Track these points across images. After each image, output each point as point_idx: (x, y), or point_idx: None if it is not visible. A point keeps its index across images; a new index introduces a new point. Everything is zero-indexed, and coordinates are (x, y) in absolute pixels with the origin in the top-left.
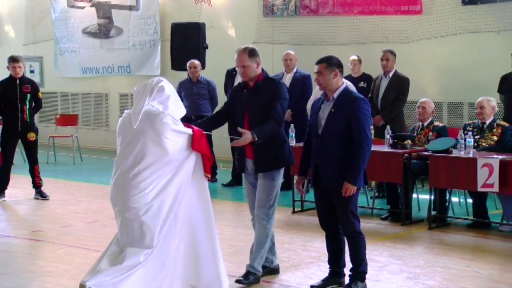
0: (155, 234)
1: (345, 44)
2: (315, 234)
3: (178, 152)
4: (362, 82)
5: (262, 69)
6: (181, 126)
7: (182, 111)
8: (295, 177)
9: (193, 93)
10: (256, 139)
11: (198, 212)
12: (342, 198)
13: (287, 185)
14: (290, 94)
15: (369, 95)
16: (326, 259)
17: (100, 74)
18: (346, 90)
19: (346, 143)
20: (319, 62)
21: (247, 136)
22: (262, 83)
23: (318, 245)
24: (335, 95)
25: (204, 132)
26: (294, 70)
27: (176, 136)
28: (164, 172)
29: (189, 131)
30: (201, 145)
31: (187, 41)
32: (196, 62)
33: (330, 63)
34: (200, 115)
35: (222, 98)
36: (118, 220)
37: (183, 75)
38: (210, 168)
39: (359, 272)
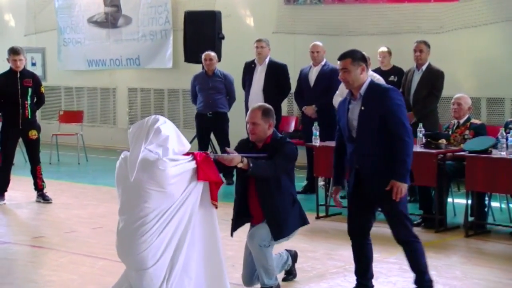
0: (164, 283)
1: (374, 35)
2: (341, 241)
3: (183, 189)
4: (392, 76)
5: (274, 131)
6: (181, 162)
7: (186, 146)
8: (320, 180)
9: (209, 87)
10: (251, 167)
11: (206, 249)
12: (391, 201)
13: (310, 188)
14: (316, 88)
15: (400, 90)
16: (353, 269)
17: (107, 67)
18: (372, 83)
19: (385, 140)
20: (343, 57)
21: (237, 158)
22: (271, 145)
23: (344, 253)
24: (362, 91)
25: (209, 154)
26: (322, 63)
27: (178, 177)
28: (170, 213)
29: (192, 164)
30: (207, 172)
31: (201, 31)
32: (212, 54)
33: (355, 58)
34: (216, 112)
35: (240, 93)
36: (126, 270)
37: (197, 68)
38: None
39: (426, 281)
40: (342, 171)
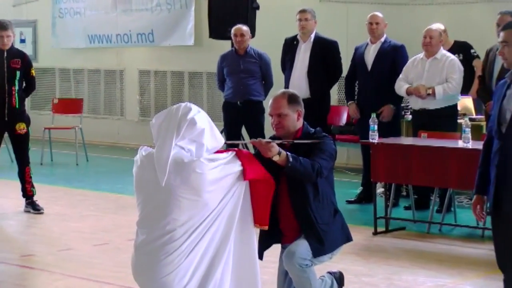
0: None
1: (448, 4)
2: (403, 263)
3: (220, 197)
4: (456, 54)
5: (304, 123)
6: (221, 162)
7: (219, 141)
8: (378, 186)
9: (240, 69)
10: (290, 162)
11: (242, 273)
12: None
13: (365, 197)
14: (375, 71)
15: (479, 74)
16: None
17: (113, 44)
18: None
19: None
20: (508, 27)
21: (276, 147)
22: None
23: (409, 278)
24: None
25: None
26: (382, 39)
27: (218, 183)
28: (203, 229)
29: (234, 166)
30: (255, 169)
31: (230, 0)
32: (244, 28)
33: None
34: (248, 100)
35: (278, 77)
36: None
37: (225, 46)
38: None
39: None
40: (489, 176)
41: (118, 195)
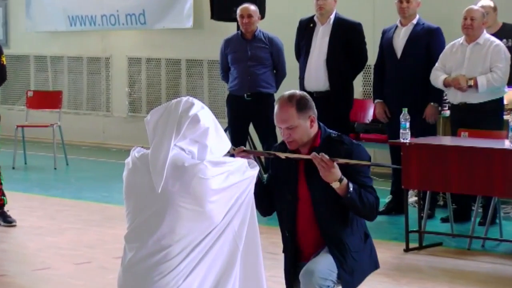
0: None
1: None
2: (440, 284)
3: (225, 209)
4: (504, 40)
5: (320, 125)
6: (227, 167)
7: (224, 143)
8: (411, 195)
9: (247, 56)
10: (350, 192)
11: None
12: None
13: (395, 207)
14: (406, 59)
15: None
16: None
17: (97, 27)
18: None
19: None
20: None
21: (338, 170)
22: (322, 150)
23: None
24: None
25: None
26: (414, 21)
27: (223, 192)
28: (204, 246)
29: (246, 173)
30: None
31: None
32: (252, 8)
33: None
34: (257, 93)
35: (292, 66)
36: None
37: (229, 29)
38: None
39: None
40: None
41: (103, 205)
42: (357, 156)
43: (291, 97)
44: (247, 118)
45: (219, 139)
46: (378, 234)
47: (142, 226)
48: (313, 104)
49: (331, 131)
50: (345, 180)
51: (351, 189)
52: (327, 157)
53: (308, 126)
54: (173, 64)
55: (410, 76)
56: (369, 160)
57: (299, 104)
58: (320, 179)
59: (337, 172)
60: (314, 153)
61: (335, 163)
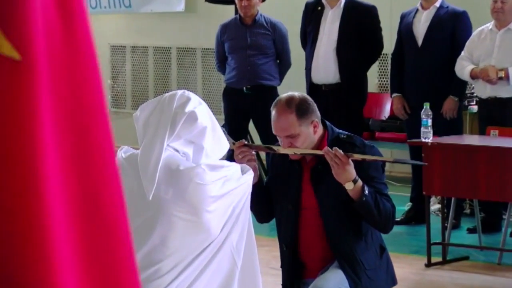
0: None
1: None
2: None
3: (223, 220)
4: None
5: (326, 125)
6: (225, 171)
7: (223, 147)
8: (433, 201)
9: (246, 44)
10: (365, 195)
11: None
12: None
13: (416, 215)
14: (428, 47)
15: None
16: None
17: None
18: None
19: None
20: None
21: (352, 169)
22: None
23: None
24: None
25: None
26: (437, 4)
27: (222, 200)
28: (200, 263)
29: (243, 178)
30: None
31: None
32: None
33: None
34: (258, 86)
35: (297, 55)
36: None
37: (227, 13)
38: None
39: None
40: None
41: None
42: (371, 163)
43: (289, 102)
44: (246, 114)
45: (216, 141)
46: (396, 247)
47: None
48: (315, 106)
49: (340, 131)
50: (360, 181)
51: (366, 191)
52: (341, 152)
53: (311, 133)
54: (162, 53)
55: (433, 67)
56: (384, 166)
57: (300, 109)
58: (330, 185)
59: (352, 171)
60: (327, 147)
61: (350, 160)
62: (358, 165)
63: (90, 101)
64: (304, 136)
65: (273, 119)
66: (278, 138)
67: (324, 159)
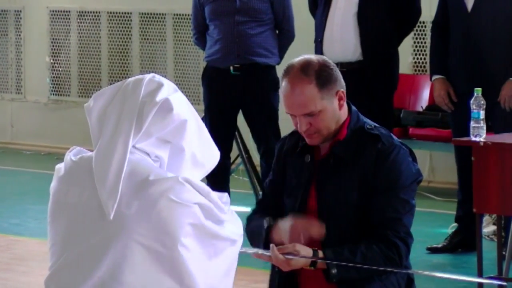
0: None
1: None
2: None
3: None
4: None
5: (350, 109)
6: (211, 201)
7: (213, 151)
8: (486, 221)
9: (234, 8)
10: (334, 272)
11: None
12: None
13: (463, 240)
14: (480, 15)
15: None
16: None
17: None
18: None
19: None
20: None
21: (307, 251)
22: (348, 146)
23: None
24: None
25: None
26: None
27: (205, 235)
28: None
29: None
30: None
31: None
32: None
33: None
34: (250, 64)
35: (303, 23)
36: None
37: None
38: None
39: None
40: None
41: (12, 238)
42: (395, 167)
43: (306, 68)
44: (234, 102)
45: (203, 141)
46: (438, 284)
47: (72, 266)
48: (339, 73)
49: (366, 120)
50: (319, 253)
51: (334, 270)
52: (281, 256)
53: (336, 108)
54: (120, 20)
55: (487, 41)
56: (417, 174)
57: (321, 77)
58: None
59: (299, 260)
60: (272, 246)
61: (297, 246)
62: (373, 167)
63: None
64: (328, 113)
65: (284, 92)
66: (292, 118)
67: (330, 158)
